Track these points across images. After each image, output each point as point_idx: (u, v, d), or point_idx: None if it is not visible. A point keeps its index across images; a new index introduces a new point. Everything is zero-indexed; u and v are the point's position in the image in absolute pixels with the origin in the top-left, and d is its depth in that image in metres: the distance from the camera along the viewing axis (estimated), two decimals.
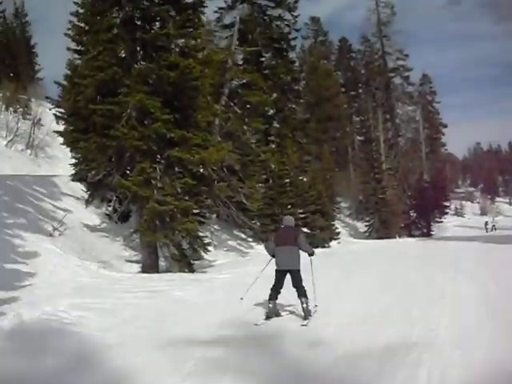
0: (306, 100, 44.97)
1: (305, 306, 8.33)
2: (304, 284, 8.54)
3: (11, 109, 29.93)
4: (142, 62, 16.26)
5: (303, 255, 8.78)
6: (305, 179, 32.74)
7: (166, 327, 7.99)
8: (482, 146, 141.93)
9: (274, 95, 31.50)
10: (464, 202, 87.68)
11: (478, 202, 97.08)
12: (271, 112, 32.89)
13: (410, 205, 48.58)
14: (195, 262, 16.65)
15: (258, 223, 28.26)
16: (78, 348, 6.71)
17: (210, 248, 17.12)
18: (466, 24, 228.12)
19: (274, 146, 31.71)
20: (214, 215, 25.17)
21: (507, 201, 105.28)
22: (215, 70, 23.26)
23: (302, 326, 8.02)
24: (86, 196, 18.36)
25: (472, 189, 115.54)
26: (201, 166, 16.23)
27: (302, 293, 8.43)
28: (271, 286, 8.67)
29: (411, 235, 45.13)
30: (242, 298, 8.92)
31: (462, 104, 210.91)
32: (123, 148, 15.40)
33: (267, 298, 8.67)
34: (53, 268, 11.68)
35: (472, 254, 18.98)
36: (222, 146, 17.84)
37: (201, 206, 17.05)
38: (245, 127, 24.40)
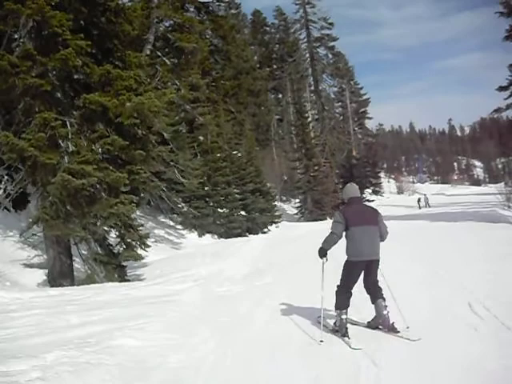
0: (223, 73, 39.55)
1: (386, 312, 5.73)
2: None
3: None
4: None
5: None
6: (239, 154, 27.95)
7: None
8: (385, 127, 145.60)
9: None
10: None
11: (388, 182, 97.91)
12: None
13: (338, 183, 45.43)
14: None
15: (187, 207, 23.54)
16: None
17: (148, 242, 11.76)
18: (366, 12, 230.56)
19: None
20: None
21: (410, 180, 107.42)
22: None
23: (415, 340, 5.26)
24: None
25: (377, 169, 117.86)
26: (134, 120, 10.71)
27: (380, 294, 5.86)
28: (340, 287, 5.85)
29: None
30: (321, 341, 5.50)
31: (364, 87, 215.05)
32: (13, 89, 9.73)
33: (335, 307, 5.81)
34: None
35: (443, 236, 15.60)
36: (163, 91, 12.50)
37: (133, 180, 11.41)
38: (178, 82, 18.91)
